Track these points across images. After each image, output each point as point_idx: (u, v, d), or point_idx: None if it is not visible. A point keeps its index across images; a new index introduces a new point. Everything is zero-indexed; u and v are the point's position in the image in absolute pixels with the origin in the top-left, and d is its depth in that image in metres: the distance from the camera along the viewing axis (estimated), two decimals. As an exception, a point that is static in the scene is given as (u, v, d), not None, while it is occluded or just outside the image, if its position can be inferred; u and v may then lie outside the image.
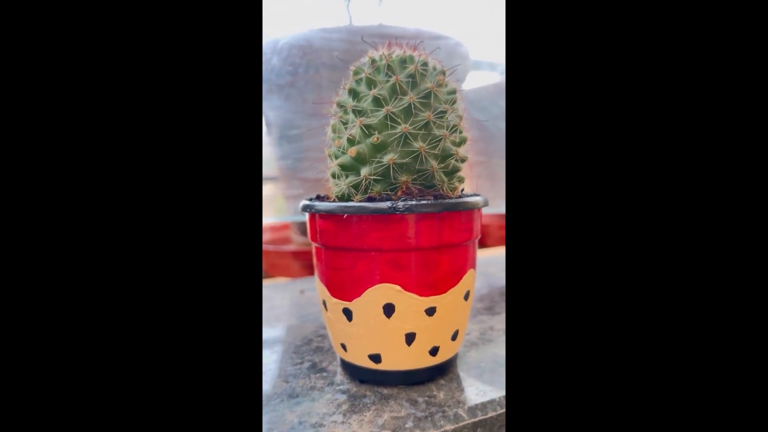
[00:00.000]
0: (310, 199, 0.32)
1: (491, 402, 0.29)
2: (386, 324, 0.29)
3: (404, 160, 0.28)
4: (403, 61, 0.29)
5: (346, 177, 0.30)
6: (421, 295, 0.28)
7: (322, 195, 0.34)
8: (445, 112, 0.29)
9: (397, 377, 0.31)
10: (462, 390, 0.30)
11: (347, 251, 0.29)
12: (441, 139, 0.29)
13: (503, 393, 0.30)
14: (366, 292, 0.29)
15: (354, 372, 0.32)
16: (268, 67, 0.54)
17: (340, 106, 0.31)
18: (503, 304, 0.50)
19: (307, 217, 0.32)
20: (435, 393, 0.30)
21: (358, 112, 0.29)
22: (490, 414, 0.28)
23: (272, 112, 0.57)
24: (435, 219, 0.28)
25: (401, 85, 0.29)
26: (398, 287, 0.28)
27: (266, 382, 0.33)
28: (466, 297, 0.31)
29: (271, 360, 0.37)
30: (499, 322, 0.44)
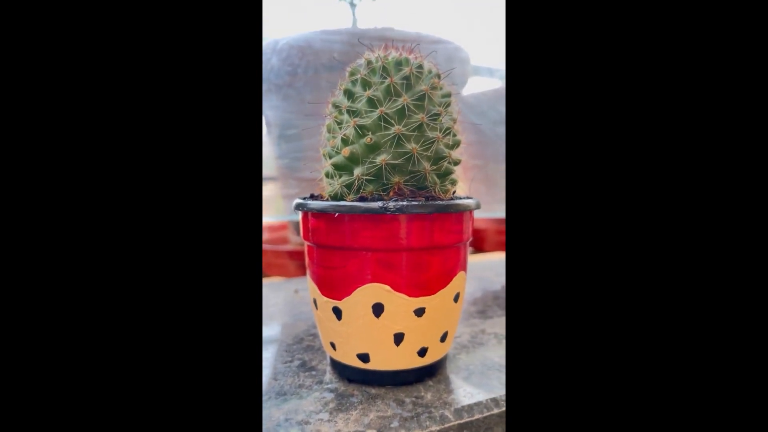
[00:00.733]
0: (304, 198, 0.32)
1: (478, 404, 0.29)
2: (375, 323, 0.29)
3: (397, 161, 0.28)
4: (399, 64, 0.30)
5: (340, 177, 0.30)
6: (410, 295, 0.29)
7: (315, 194, 0.35)
8: (438, 114, 0.29)
9: (385, 377, 0.31)
10: (450, 392, 0.30)
11: (338, 250, 0.29)
12: (434, 141, 0.29)
13: (491, 396, 0.30)
14: (356, 291, 0.29)
15: (342, 371, 0.32)
16: (267, 67, 0.55)
17: (336, 106, 0.31)
18: (496, 309, 0.50)
19: (300, 215, 0.32)
20: (423, 394, 0.30)
21: (352, 113, 0.30)
22: (477, 416, 0.28)
23: (270, 111, 0.57)
24: (426, 220, 0.28)
25: (396, 86, 0.29)
26: (388, 287, 0.28)
27: (255, 380, 0.33)
28: (456, 299, 0.31)
29: (263, 358, 0.37)
30: (491, 326, 0.44)
